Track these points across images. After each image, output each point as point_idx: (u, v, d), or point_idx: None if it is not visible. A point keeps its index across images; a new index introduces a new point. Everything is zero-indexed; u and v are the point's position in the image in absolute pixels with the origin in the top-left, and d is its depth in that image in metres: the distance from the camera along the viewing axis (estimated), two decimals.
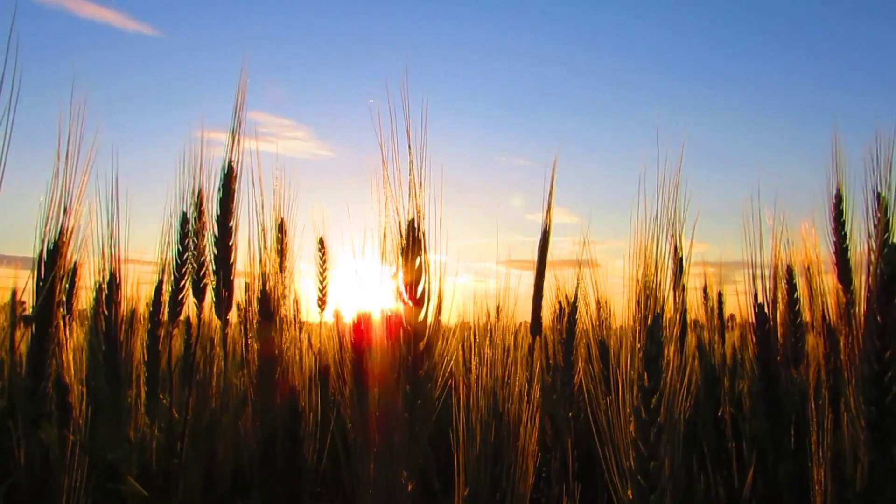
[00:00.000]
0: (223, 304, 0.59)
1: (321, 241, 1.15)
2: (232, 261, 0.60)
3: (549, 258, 0.85)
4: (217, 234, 0.60)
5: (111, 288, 0.56)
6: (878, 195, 0.72)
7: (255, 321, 0.51)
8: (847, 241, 0.77)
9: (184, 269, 0.73)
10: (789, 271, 0.83)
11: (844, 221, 0.78)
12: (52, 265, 0.45)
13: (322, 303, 1.15)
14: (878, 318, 0.44)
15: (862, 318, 0.48)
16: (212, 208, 0.72)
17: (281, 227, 0.87)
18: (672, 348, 0.34)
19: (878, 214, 0.71)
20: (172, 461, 0.75)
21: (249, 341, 0.52)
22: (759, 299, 0.64)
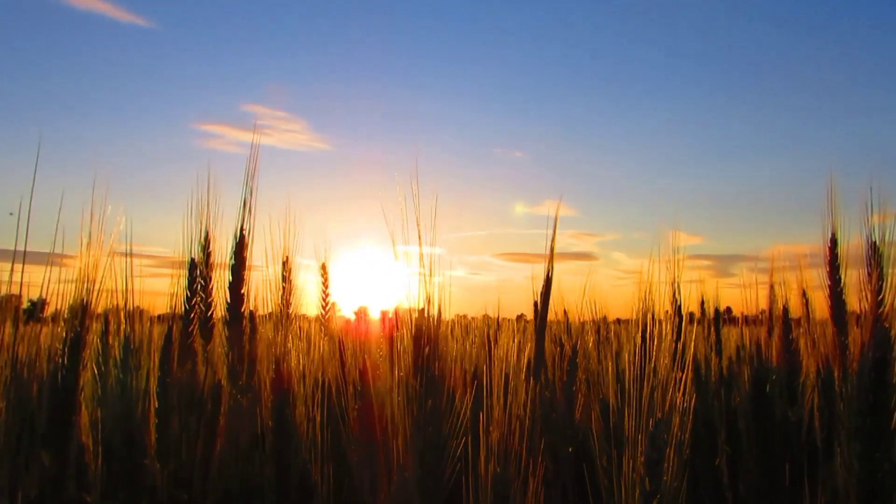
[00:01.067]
0: (237, 374, 0.61)
1: (323, 267, 1.17)
2: (244, 327, 0.61)
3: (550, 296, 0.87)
4: (229, 300, 0.62)
5: (126, 351, 0.57)
6: (874, 244, 0.73)
7: (269, 400, 0.53)
8: (842, 285, 0.79)
9: (192, 315, 0.75)
10: (785, 311, 0.85)
11: (839, 266, 0.79)
12: (76, 357, 0.46)
13: (324, 325, 1.18)
14: (870, 397, 0.46)
15: (853, 389, 0.49)
16: (220, 251, 0.74)
17: (285, 264, 0.89)
18: (671, 451, 0.36)
19: (873, 264, 0.72)
20: (181, 496, 0.77)
21: (265, 418, 0.54)
22: (763, 355, 0.66)
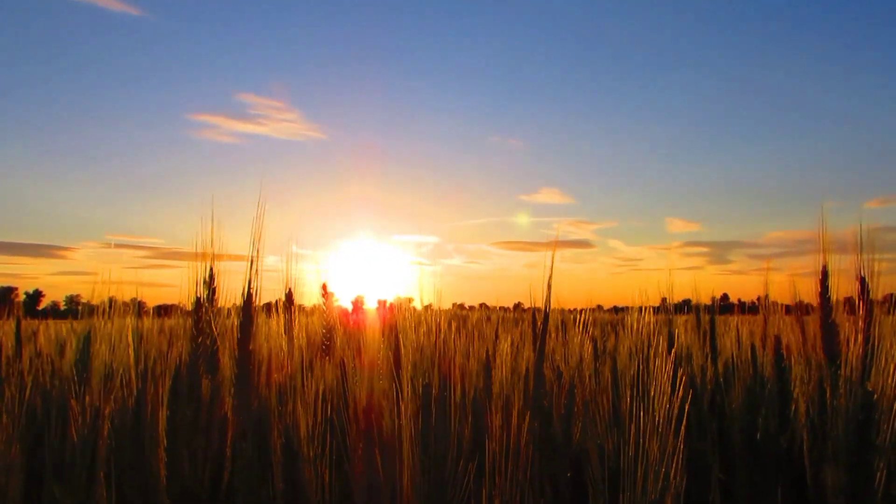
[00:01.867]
0: (245, 423, 0.62)
1: (324, 287, 1.19)
2: (254, 383, 0.63)
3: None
4: (238, 356, 0.63)
5: (140, 404, 0.59)
6: (863, 279, 0.75)
7: (279, 459, 0.55)
8: (832, 315, 0.81)
9: (199, 352, 0.77)
10: (777, 340, 0.87)
11: (830, 297, 0.81)
12: (96, 429, 0.48)
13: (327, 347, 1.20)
14: (855, 457, 0.48)
15: (840, 445, 0.51)
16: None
17: (290, 296, 0.91)
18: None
19: (862, 299, 0.74)
20: None
21: (276, 479, 0.56)
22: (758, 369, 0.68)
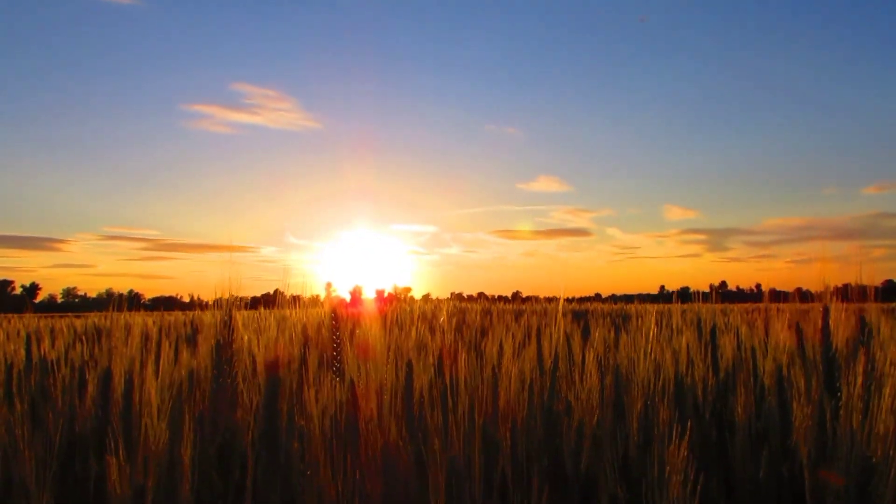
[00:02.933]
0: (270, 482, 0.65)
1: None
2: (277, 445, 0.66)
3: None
4: (264, 415, 0.66)
5: (172, 453, 0.62)
6: (862, 318, 0.78)
7: None
8: (832, 350, 0.83)
9: (220, 391, 0.80)
10: (778, 370, 0.89)
11: (830, 333, 0.83)
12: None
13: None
14: None
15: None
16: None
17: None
18: None
19: (863, 339, 0.77)
20: None
21: None
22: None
